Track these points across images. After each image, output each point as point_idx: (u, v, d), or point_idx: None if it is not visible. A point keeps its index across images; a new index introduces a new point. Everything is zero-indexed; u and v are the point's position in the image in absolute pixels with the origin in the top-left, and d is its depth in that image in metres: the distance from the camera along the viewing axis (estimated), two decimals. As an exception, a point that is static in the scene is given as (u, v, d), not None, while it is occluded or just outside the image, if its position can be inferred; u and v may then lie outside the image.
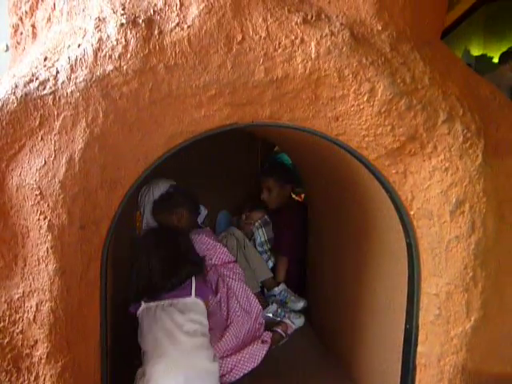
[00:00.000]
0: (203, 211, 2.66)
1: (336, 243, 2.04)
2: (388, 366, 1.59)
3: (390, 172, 1.41)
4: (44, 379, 1.37)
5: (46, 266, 1.31)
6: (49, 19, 1.70)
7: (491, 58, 6.88)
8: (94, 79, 1.25)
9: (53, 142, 1.28)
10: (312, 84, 1.31)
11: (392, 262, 1.59)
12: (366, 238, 1.73)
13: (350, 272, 1.89)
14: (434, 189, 1.36)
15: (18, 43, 1.94)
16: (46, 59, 1.33)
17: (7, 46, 2.38)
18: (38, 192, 1.28)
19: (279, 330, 2.19)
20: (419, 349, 1.46)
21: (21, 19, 1.89)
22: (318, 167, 2.00)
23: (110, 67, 1.25)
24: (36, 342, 1.35)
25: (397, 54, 1.31)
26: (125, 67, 1.25)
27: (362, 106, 1.32)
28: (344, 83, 1.30)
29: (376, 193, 1.53)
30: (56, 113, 1.27)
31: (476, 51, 7.43)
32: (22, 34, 1.91)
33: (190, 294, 1.78)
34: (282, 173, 2.82)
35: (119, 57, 1.25)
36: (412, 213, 1.42)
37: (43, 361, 1.35)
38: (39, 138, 1.29)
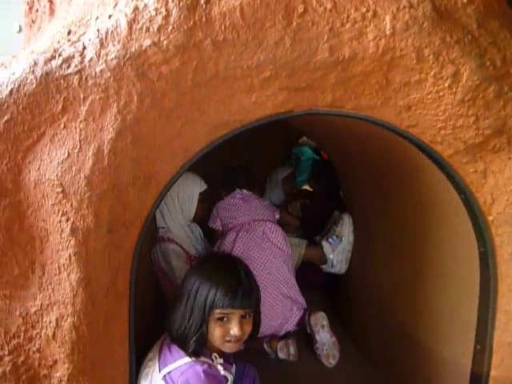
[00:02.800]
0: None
1: (388, 249, 1.84)
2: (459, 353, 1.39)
3: (468, 171, 1.21)
4: (63, 404, 1.19)
5: (68, 275, 1.13)
6: (69, -8, 1.50)
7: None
8: (127, 56, 1.06)
9: (78, 131, 1.09)
10: (384, 66, 1.11)
11: (458, 273, 1.39)
12: (427, 244, 1.53)
13: (405, 282, 1.70)
14: (521, 191, 1.17)
15: (33, 21, 1.75)
16: (69, 33, 1.13)
17: (20, 26, 2.18)
18: (59, 189, 1.09)
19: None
20: (492, 373, 1.27)
21: (36, -5, 1.70)
22: (364, 163, 1.80)
23: (147, 42, 1.05)
24: (55, 361, 1.17)
25: (485, 32, 1.11)
26: (165, 42, 1.05)
27: (441, 93, 1.12)
28: (422, 65, 1.09)
29: (444, 194, 1.33)
30: (82, 96, 1.08)
31: None
32: (37, 11, 1.72)
33: None
34: None
35: (158, 30, 1.05)
36: (491, 218, 1.22)
37: (63, 383, 1.17)
38: (62, 126, 1.10)
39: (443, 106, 1.13)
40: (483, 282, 1.28)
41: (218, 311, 1.25)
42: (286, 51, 1.08)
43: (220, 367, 1.30)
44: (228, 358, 1.40)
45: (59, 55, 1.09)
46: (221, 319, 1.26)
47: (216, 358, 1.31)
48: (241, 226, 2.14)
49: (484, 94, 1.10)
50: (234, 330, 1.25)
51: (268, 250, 2.05)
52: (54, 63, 1.08)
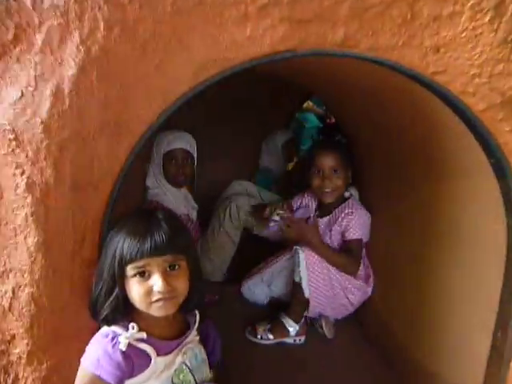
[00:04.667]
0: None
1: (398, 220, 1.65)
2: (468, 379, 1.25)
3: (502, 130, 1.01)
4: (25, 383, 1.05)
5: (25, 238, 0.97)
6: None
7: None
8: (92, -29, 0.85)
9: (33, 65, 0.90)
10: (410, -6, 0.90)
11: (480, 247, 1.21)
12: (443, 214, 1.35)
13: (415, 257, 1.52)
14: None
15: None
16: None
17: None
18: (12, 136, 0.92)
19: None
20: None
21: None
22: (374, 125, 1.60)
23: (116, -47, 0.84)
24: (13, 336, 1.03)
25: (538, -47, 0.89)
26: (138, -46, 0.84)
27: (479, 31, 0.91)
28: (458, -6, 0.89)
29: (470, 157, 1.14)
30: (37, 21, 0.89)
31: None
32: None
33: None
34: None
35: None
36: (525, 187, 1.03)
37: (23, 361, 1.04)
38: (14, 59, 0.92)
39: (480, 48, 0.93)
40: (510, 258, 1.11)
41: (130, 266, 0.95)
42: (290, -30, 0.87)
43: (125, 340, 0.94)
44: (178, 334, 1.06)
45: (9, -31, 0.88)
46: (140, 275, 0.96)
47: (133, 328, 0.97)
48: None
49: (533, 32, 0.90)
50: (157, 284, 0.94)
51: None
52: (3, -21, 0.88)
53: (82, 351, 1.03)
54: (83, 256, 1.03)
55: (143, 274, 0.96)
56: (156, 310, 0.97)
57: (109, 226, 1.02)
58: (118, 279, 0.97)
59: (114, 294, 0.97)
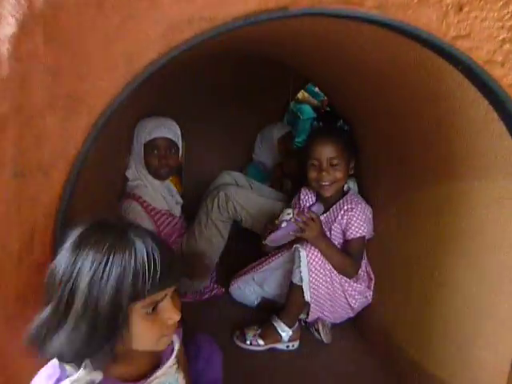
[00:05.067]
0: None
1: (402, 210, 1.49)
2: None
3: (535, 107, 0.85)
4: (-30, 406, 0.89)
5: (-39, 237, 0.79)
6: None
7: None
8: None
9: (-37, 22, 0.73)
10: None
11: (494, 252, 1.05)
12: (456, 213, 1.18)
13: (420, 250, 1.36)
14: None
15: None
16: None
17: None
18: None
19: None
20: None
21: None
22: (376, 109, 1.43)
23: None
24: (-47, 352, 0.85)
25: None
26: None
27: (512, -16, 0.75)
28: None
29: (492, 141, 0.98)
30: (-33, -33, 0.71)
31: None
32: None
33: None
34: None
35: None
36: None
37: (-34, 381, 0.87)
38: None
39: (512, 6, 0.77)
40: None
41: (143, 303, 0.76)
42: None
43: None
44: (150, 368, 0.89)
45: None
46: (153, 310, 0.79)
47: (83, 368, 0.76)
48: None
49: None
50: (173, 316, 0.80)
51: None
52: None
53: (34, 369, 0.86)
54: (34, 258, 0.86)
55: (154, 309, 0.79)
56: (163, 344, 0.84)
57: (64, 221, 0.86)
58: (118, 320, 0.74)
59: (99, 337, 0.75)
